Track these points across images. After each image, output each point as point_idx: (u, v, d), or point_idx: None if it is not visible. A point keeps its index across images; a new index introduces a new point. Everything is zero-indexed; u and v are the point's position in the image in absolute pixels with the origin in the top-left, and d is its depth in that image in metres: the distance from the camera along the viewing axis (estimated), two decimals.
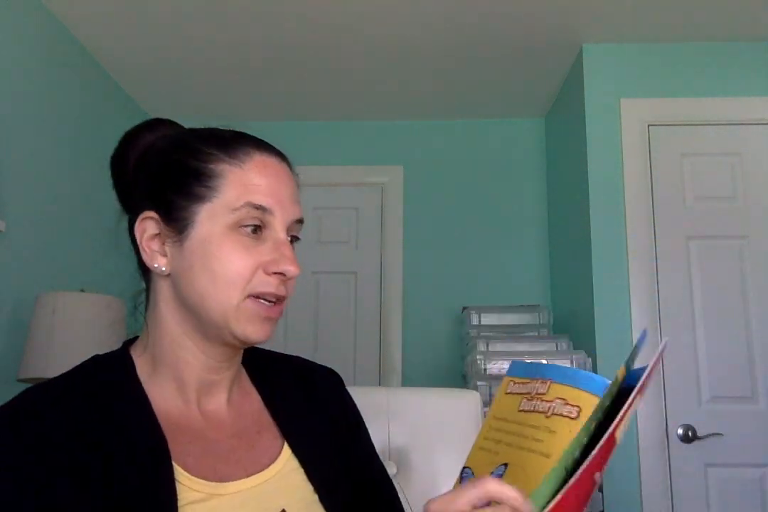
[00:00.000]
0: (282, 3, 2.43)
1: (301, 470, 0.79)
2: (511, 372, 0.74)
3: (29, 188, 2.29)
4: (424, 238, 3.32)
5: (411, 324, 3.22)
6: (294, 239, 0.81)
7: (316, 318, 3.29)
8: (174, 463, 0.71)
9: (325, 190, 3.40)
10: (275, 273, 0.76)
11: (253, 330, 0.76)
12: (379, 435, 0.92)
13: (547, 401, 0.65)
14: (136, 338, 0.83)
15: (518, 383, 0.71)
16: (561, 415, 0.63)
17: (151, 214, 0.78)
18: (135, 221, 0.79)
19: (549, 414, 0.64)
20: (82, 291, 2.10)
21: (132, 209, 0.82)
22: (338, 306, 3.30)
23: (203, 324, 0.77)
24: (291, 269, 0.76)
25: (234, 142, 0.79)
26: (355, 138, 3.43)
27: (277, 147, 0.84)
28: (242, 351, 0.84)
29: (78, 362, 0.80)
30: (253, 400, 0.85)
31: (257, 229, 0.76)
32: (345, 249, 3.37)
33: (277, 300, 0.77)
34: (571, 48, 2.74)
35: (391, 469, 1.15)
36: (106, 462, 0.68)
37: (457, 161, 3.38)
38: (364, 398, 0.97)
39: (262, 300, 0.76)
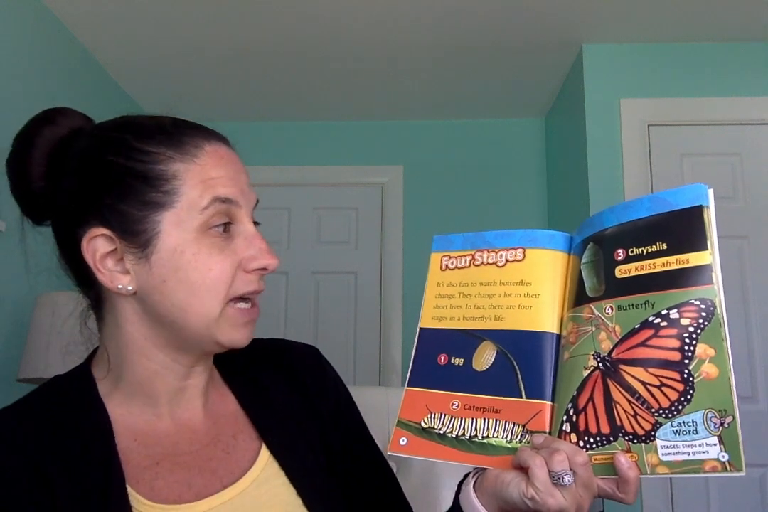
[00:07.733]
0: (282, 3, 2.43)
1: (282, 473, 0.74)
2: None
3: None
4: (424, 238, 3.30)
5: (411, 324, 3.22)
6: (256, 224, 0.76)
7: (316, 319, 3.27)
8: (134, 492, 0.67)
9: (324, 190, 3.40)
10: (255, 269, 0.71)
11: (239, 337, 0.72)
12: (379, 435, 0.91)
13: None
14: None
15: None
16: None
17: (101, 230, 0.70)
18: (67, 236, 0.73)
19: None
20: None
21: (59, 223, 0.75)
22: (338, 306, 3.30)
23: (180, 338, 0.72)
24: (272, 262, 0.72)
25: (179, 135, 0.72)
26: (355, 138, 3.43)
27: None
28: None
29: (78, 362, 0.78)
30: (229, 401, 0.79)
31: (227, 227, 0.71)
32: (345, 249, 3.37)
33: (252, 298, 0.74)
34: (571, 48, 2.74)
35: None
36: (54, 499, 0.64)
37: (457, 161, 3.38)
38: (364, 398, 0.97)
39: (241, 304, 0.72)
